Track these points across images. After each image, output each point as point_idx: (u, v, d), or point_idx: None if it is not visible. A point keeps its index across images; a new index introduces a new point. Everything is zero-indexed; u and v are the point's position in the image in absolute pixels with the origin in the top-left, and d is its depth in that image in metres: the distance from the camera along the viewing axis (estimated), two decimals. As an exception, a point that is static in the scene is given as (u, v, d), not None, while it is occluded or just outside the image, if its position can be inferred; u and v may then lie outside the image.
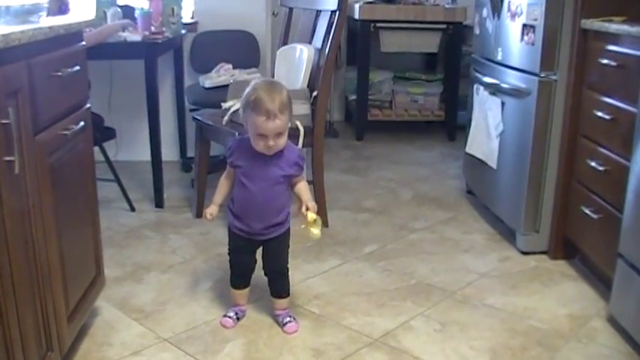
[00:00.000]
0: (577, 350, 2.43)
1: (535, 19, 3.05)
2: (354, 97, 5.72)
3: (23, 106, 1.76)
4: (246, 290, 2.62)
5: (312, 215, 2.37)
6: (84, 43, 2.32)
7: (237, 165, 2.41)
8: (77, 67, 2.16)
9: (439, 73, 5.83)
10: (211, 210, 2.47)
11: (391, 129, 5.80)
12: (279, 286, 2.57)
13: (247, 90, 2.35)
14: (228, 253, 2.58)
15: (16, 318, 1.72)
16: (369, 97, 5.61)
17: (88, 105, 2.36)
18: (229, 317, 2.57)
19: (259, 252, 2.55)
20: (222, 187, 2.53)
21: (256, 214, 2.43)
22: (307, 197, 2.44)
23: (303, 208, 2.39)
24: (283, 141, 2.34)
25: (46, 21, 2.04)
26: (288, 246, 2.55)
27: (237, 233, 2.50)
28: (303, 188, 2.47)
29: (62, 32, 2.03)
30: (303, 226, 2.40)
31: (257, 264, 2.57)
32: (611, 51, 2.69)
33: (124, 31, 3.59)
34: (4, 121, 1.62)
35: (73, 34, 2.18)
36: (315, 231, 2.39)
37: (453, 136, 5.57)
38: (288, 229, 2.51)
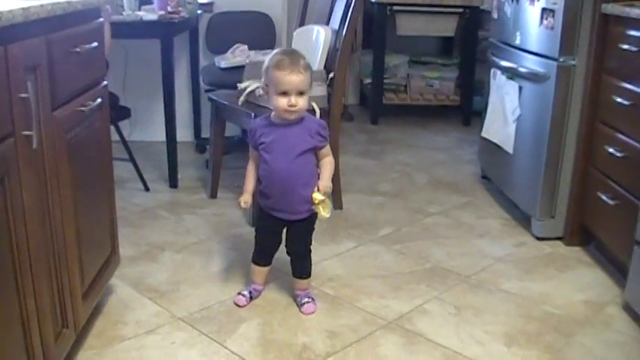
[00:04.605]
0: (592, 336, 2.42)
1: (555, 3, 3.02)
2: (369, 80, 5.70)
3: (42, 81, 1.76)
4: (266, 269, 2.62)
5: (317, 196, 2.39)
6: (102, 19, 2.31)
7: (261, 142, 2.41)
8: (95, 44, 2.15)
9: (455, 58, 5.80)
10: (245, 198, 2.47)
11: (406, 113, 5.77)
12: (300, 266, 2.58)
13: (268, 57, 2.40)
14: (255, 229, 2.60)
15: (32, 293, 1.72)
16: (385, 80, 5.58)
17: (105, 82, 2.36)
18: (243, 295, 2.58)
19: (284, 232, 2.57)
20: (251, 173, 2.52)
21: (282, 190, 2.42)
22: (325, 176, 2.44)
23: (315, 187, 2.41)
24: (304, 102, 2.36)
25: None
26: (313, 229, 2.55)
27: (266, 211, 2.51)
28: (325, 165, 2.47)
29: (80, 8, 2.01)
30: (312, 206, 2.42)
31: (281, 244, 2.59)
32: (632, 36, 2.65)
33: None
34: (23, 95, 1.61)
35: (90, 10, 2.17)
36: (323, 212, 2.41)
37: (468, 121, 5.53)
38: (316, 213, 2.49)
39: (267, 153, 2.40)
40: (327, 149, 2.47)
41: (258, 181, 2.50)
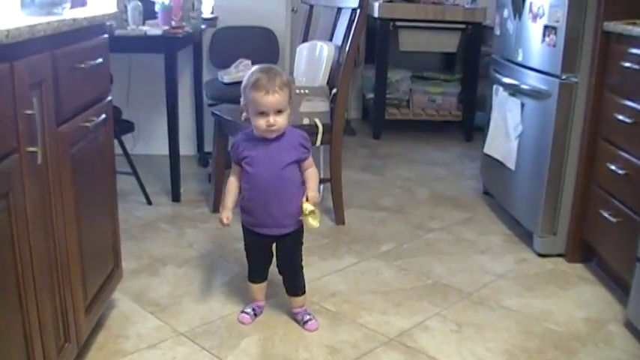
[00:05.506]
0: (593, 354, 2.42)
1: (557, 21, 3.04)
2: (371, 95, 5.70)
3: (47, 97, 1.77)
4: (264, 284, 2.62)
5: (307, 206, 2.36)
6: (106, 35, 2.33)
7: (244, 156, 2.40)
8: (100, 60, 2.16)
9: (457, 73, 5.81)
10: (226, 214, 2.45)
11: (408, 128, 5.78)
12: (294, 284, 2.57)
13: (246, 76, 2.38)
14: (245, 249, 2.59)
15: (35, 308, 1.73)
16: (387, 95, 5.59)
17: (110, 98, 2.37)
18: (247, 313, 2.58)
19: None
20: (232, 188, 2.49)
21: (265, 201, 2.39)
22: (312, 186, 2.42)
23: (304, 198, 2.38)
24: (283, 120, 2.34)
25: (70, 13, 2.05)
26: (302, 244, 2.54)
27: (251, 229, 2.49)
28: (310, 175, 2.45)
29: (85, 24, 2.03)
30: (300, 218, 2.40)
31: (273, 257, 2.57)
32: (633, 54, 2.67)
33: None
34: (28, 112, 1.63)
35: (96, 27, 2.18)
36: (313, 222, 2.38)
37: (470, 137, 5.55)
38: (302, 227, 2.48)
39: (251, 166, 2.38)
40: (309, 161, 2.45)
41: (240, 196, 2.48)
